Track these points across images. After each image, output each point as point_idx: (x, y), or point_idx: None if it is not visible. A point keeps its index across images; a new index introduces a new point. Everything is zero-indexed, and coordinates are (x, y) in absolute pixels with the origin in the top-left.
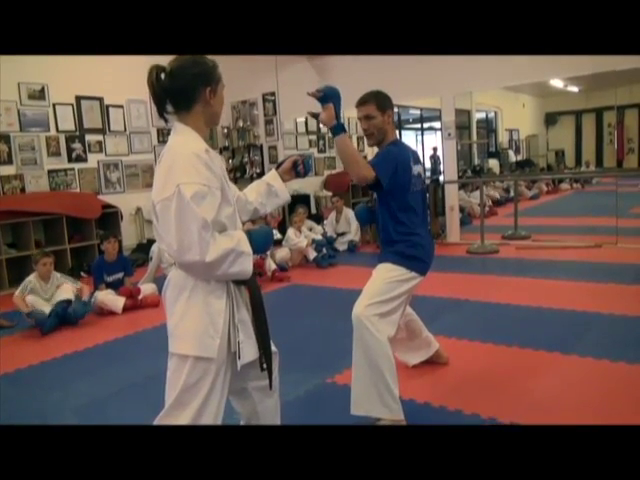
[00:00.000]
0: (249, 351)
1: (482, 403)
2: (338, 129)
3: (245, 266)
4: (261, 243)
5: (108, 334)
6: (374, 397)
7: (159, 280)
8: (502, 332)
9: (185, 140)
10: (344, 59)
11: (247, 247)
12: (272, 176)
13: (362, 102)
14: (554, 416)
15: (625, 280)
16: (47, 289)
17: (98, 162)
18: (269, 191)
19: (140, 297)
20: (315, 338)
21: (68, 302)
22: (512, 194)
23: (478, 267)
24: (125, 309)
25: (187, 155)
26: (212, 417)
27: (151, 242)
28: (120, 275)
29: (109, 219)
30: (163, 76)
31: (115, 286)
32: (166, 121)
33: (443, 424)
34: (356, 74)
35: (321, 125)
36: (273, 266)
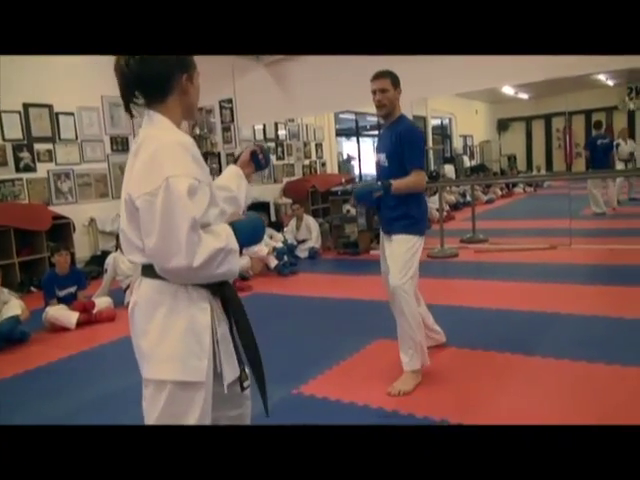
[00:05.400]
0: (231, 370)
1: (451, 408)
2: (389, 190)
3: (232, 265)
4: (248, 235)
5: (61, 351)
6: (419, 352)
7: (115, 293)
8: (465, 335)
9: (167, 129)
10: (301, 65)
11: (234, 243)
12: (231, 176)
13: (379, 76)
14: (521, 418)
15: (580, 280)
16: None
17: (48, 172)
18: (228, 199)
19: (95, 311)
20: (279, 348)
21: (16, 319)
22: (468, 198)
23: (439, 271)
24: (79, 324)
25: (173, 144)
26: None
27: (106, 254)
28: (73, 289)
29: (60, 231)
30: (132, 61)
31: (68, 300)
32: (132, 116)
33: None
34: (313, 80)
35: (279, 132)
36: None
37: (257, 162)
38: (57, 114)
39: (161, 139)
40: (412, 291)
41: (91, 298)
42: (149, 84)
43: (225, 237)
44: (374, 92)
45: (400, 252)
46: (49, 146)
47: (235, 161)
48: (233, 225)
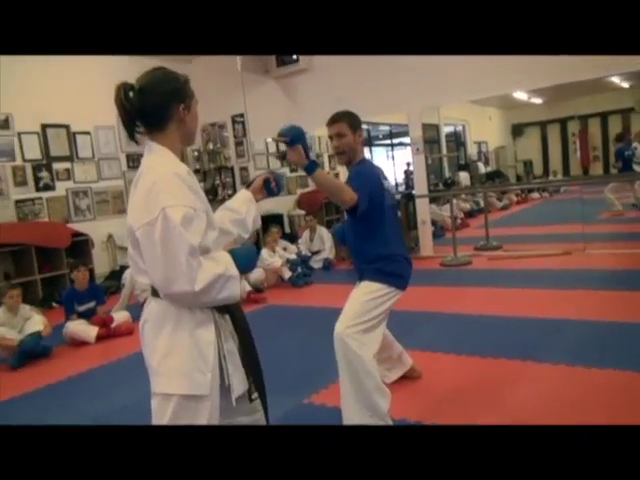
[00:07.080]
0: (239, 383)
1: (460, 416)
2: (312, 167)
3: (233, 290)
4: (245, 262)
5: (81, 365)
6: (364, 415)
7: (133, 307)
8: (476, 343)
9: (164, 160)
10: (310, 77)
11: (234, 269)
12: (242, 200)
13: (334, 120)
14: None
15: (593, 285)
16: (16, 322)
17: (67, 190)
18: (236, 221)
19: (113, 325)
20: (291, 358)
21: (38, 334)
22: (483, 205)
23: (452, 279)
24: (98, 338)
25: (169, 175)
26: None
27: (124, 268)
28: (92, 304)
29: (80, 247)
30: (132, 94)
31: (87, 316)
32: (137, 143)
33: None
34: (322, 93)
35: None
36: (248, 287)
37: (269, 189)
38: (74, 134)
39: (158, 170)
40: (358, 348)
41: (110, 313)
42: (147, 115)
43: (224, 264)
44: (331, 138)
45: (358, 298)
46: (67, 165)
47: (248, 186)
48: (232, 252)
